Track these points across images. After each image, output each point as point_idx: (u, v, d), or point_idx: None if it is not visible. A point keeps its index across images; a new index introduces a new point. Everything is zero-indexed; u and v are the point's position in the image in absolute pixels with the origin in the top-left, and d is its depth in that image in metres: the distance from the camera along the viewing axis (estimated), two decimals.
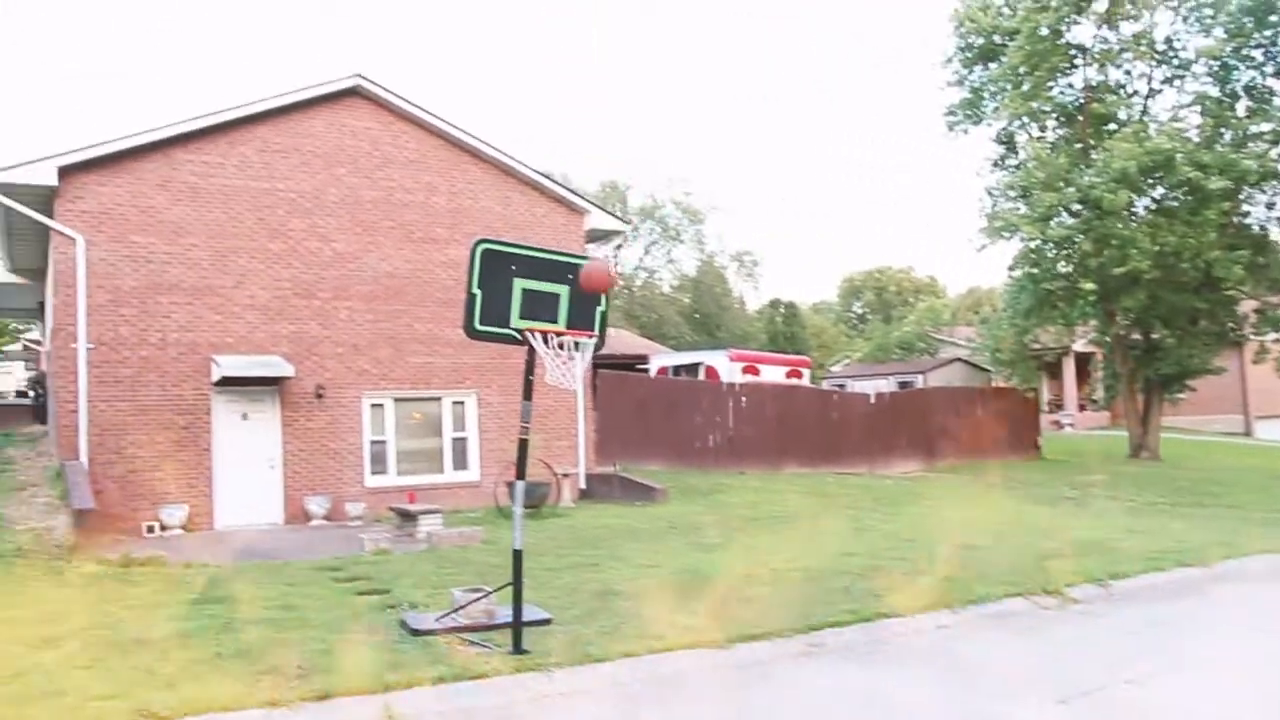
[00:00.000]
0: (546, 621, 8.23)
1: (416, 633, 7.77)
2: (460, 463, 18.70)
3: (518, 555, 7.49)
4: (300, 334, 17.37)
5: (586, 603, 9.11)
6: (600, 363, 27.15)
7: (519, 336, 7.24)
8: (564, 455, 19.47)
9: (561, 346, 7.34)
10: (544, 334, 7.27)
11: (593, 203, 20.45)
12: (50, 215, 15.44)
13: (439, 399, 18.71)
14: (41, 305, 23.82)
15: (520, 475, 7.57)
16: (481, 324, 7.23)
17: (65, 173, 15.46)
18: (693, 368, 28.99)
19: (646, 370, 30.20)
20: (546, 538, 13.72)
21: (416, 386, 18.39)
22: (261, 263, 16.99)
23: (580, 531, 14.40)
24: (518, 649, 7.20)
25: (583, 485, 19.58)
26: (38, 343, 35.91)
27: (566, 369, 7.29)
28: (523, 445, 7.58)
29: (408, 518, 13.92)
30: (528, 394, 7.50)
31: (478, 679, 6.77)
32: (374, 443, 18.02)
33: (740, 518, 15.61)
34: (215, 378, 16.05)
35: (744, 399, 22.74)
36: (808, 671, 7.25)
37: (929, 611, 9.00)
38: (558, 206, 19.98)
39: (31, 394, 28.30)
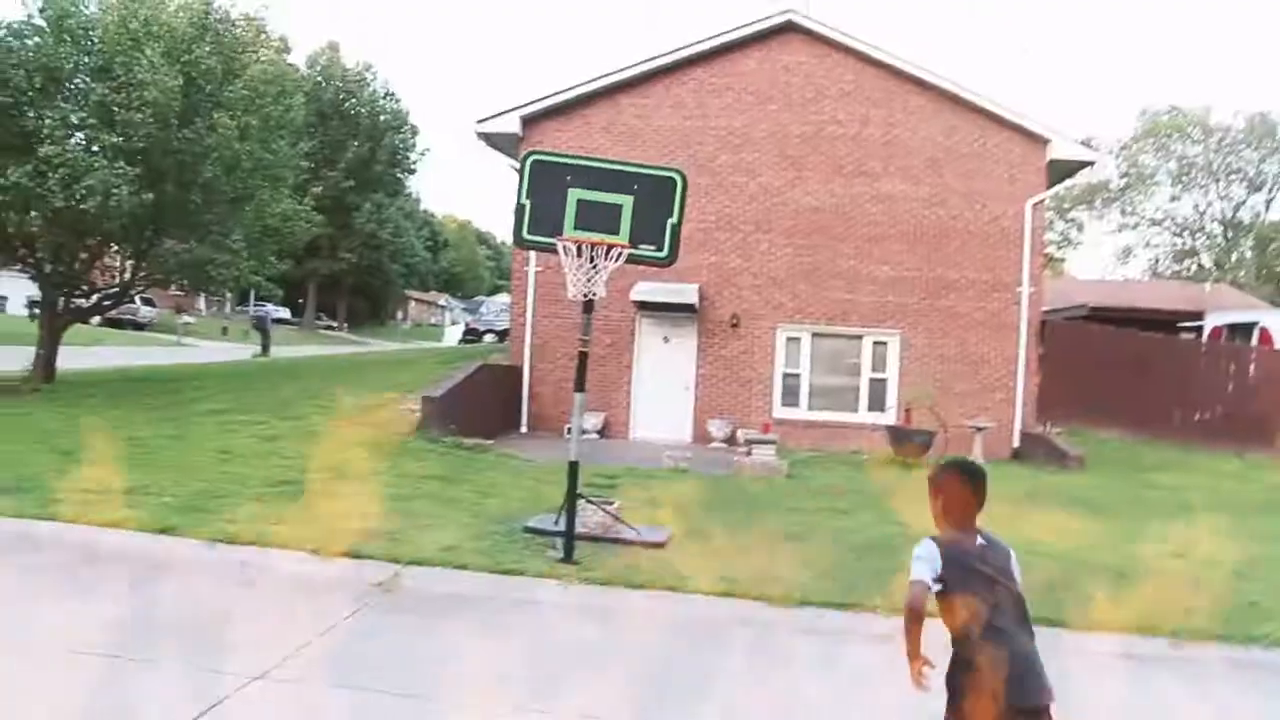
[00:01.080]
0: (660, 544, 8.16)
1: (528, 530, 8.28)
2: (877, 404, 18.15)
3: (573, 467, 7.57)
4: (720, 265, 18.24)
5: (751, 542, 8.74)
6: (1124, 318, 24.05)
7: (556, 247, 7.20)
8: (997, 409, 17.84)
9: (618, 258, 7.14)
10: (598, 246, 7.11)
11: (1056, 131, 18.07)
12: (515, 158, 18.19)
13: (859, 337, 18.30)
14: None
15: (579, 387, 7.60)
16: (530, 234, 7.32)
17: (527, 122, 18.07)
18: (1246, 328, 24.24)
19: (1197, 331, 25.94)
20: (864, 483, 13.01)
21: (834, 323, 18.20)
22: (689, 196, 17.98)
23: (916, 482, 13.26)
24: (568, 559, 7.35)
25: (1015, 443, 17.81)
26: None
27: (596, 280, 7.08)
28: (582, 358, 7.57)
29: (732, 443, 14.22)
30: (587, 309, 7.43)
31: (507, 574, 7.13)
32: (787, 375, 18.34)
33: (1137, 500, 13.08)
34: (631, 300, 17.65)
35: (1262, 370, 18.57)
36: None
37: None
38: (1013, 135, 18.03)
39: None
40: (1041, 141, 17.95)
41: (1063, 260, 59.10)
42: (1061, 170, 18.40)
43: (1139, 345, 18.91)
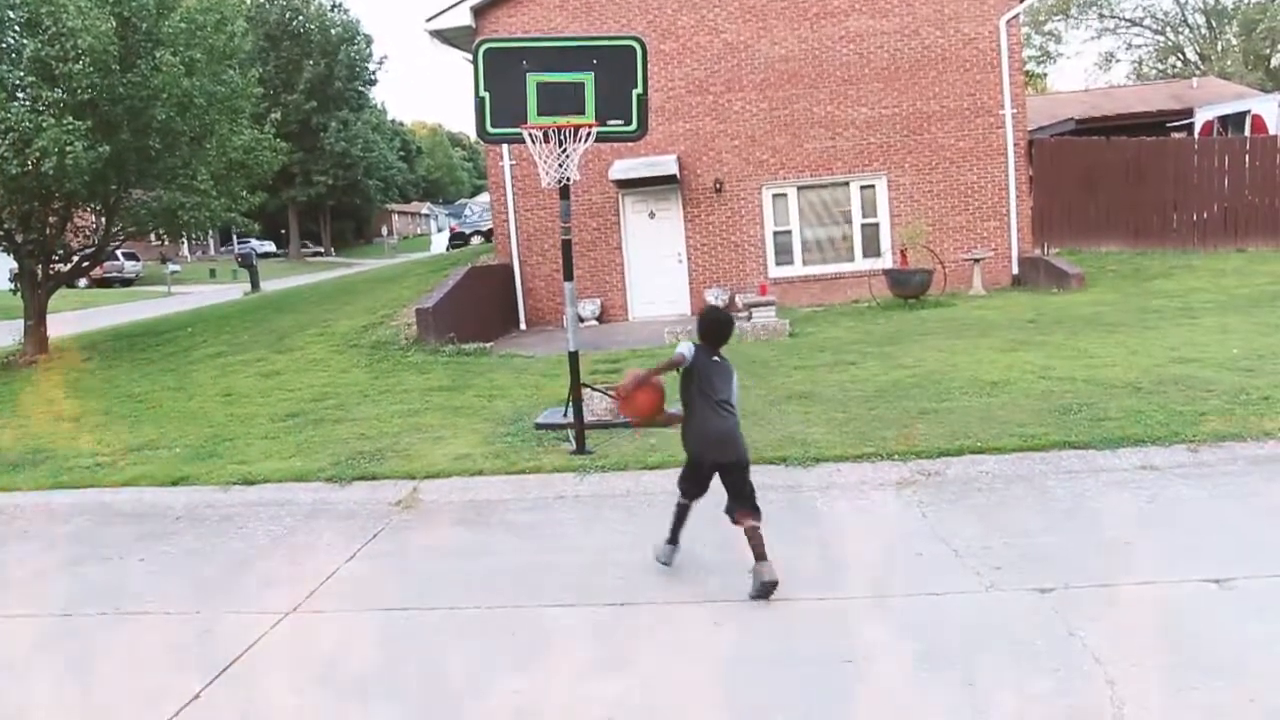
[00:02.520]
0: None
1: (538, 427, 8.26)
2: (871, 250, 17.94)
3: (573, 357, 7.49)
4: (696, 131, 17.82)
5: (763, 405, 8.73)
6: (1112, 126, 23.60)
7: (524, 137, 6.93)
8: (993, 237, 17.67)
9: (587, 138, 6.87)
10: (565, 129, 6.84)
11: None
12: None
13: (845, 184, 17.98)
14: None
15: (568, 276, 7.44)
16: (494, 127, 7.04)
17: (478, 12, 17.45)
18: (1237, 119, 23.78)
19: (1188, 129, 25.46)
20: (866, 332, 12.96)
21: (818, 173, 17.86)
22: (655, 65, 17.43)
23: (919, 323, 13.25)
24: (580, 449, 7.34)
25: (1015, 270, 17.68)
26: None
27: (569, 165, 6.82)
28: (565, 246, 7.39)
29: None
30: (564, 195, 7.21)
31: (523, 474, 7.13)
32: (778, 233, 18.10)
33: (1143, 310, 12.99)
34: (610, 179, 17.31)
35: (1256, 160, 18.21)
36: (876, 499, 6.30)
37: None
38: None
39: None
40: None
41: (1044, 76, 57.81)
42: None
43: (1129, 152, 18.51)
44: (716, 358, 4.92)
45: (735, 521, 4.87)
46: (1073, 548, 5.05)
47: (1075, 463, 6.41)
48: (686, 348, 4.83)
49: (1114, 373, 8.82)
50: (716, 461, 4.89)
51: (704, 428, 4.84)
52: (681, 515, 5.13)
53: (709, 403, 4.82)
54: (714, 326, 4.97)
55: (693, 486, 5.05)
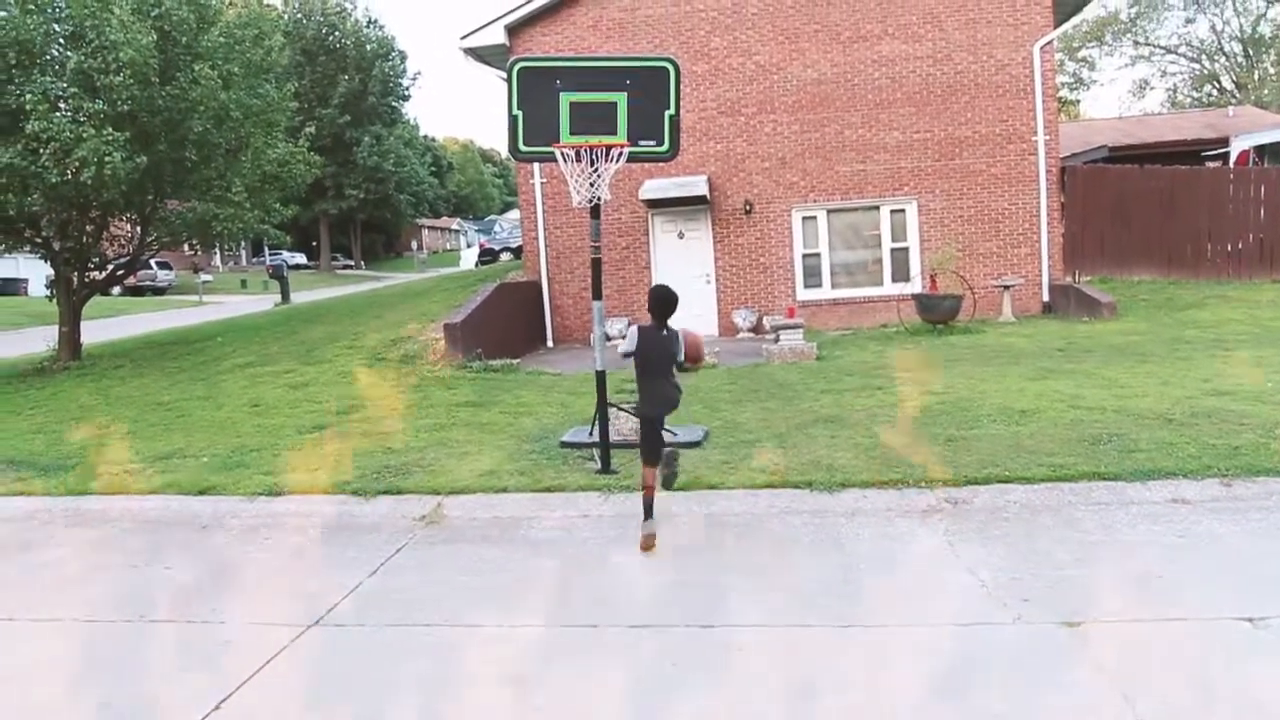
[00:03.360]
0: (696, 444, 8.12)
1: (564, 445, 8.27)
2: (901, 274, 17.87)
3: (600, 376, 7.50)
4: (727, 152, 17.86)
5: (789, 429, 8.68)
6: (1145, 155, 23.43)
7: (555, 155, 6.97)
8: (1023, 264, 17.55)
9: (618, 158, 6.90)
10: (597, 148, 6.87)
11: None
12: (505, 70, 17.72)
13: (876, 208, 17.94)
14: None
15: (596, 295, 7.46)
16: (526, 145, 7.08)
17: (512, 31, 17.59)
18: (1275, 148, 23.52)
19: (1223, 158, 25.22)
20: (895, 357, 12.89)
21: (849, 197, 17.84)
22: (687, 86, 17.53)
23: (947, 349, 13.18)
24: (605, 469, 7.34)
25: (1045, 298, 17.54)
26: None
27: (600, 184, 6.85)
28: (595, 265, 7.40)
29: (759, 331, 14.05)
30: (594, 214, 7.24)
31: (548, 491, 7.13)
32: (807, 256, 18.07)
33: (1175, 340, 12.86)
34: (640, 199, 17.36)
35: None
36: (900, 527, 6.25)
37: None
38: None
39: None
40: None
41: (1077, 103, 57.56)
42: (1068, 7, 17.68)
43: (1163, 181, 18.35)
44: (665, 330, 5.96)
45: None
46: (1101, 581, 4.99)
47: (1105, 494, 6.33)
48: (626, 345, 6.00)
49: (1145, 403, 8.72)
50: (661, 414, 6.10)
51: (653, 396, 6.05)
52: (652, 492, 6.04)
53: (651, 374, 6.01)
54: (663, 301, 5.98)
55: (653, 447, 6.03)
